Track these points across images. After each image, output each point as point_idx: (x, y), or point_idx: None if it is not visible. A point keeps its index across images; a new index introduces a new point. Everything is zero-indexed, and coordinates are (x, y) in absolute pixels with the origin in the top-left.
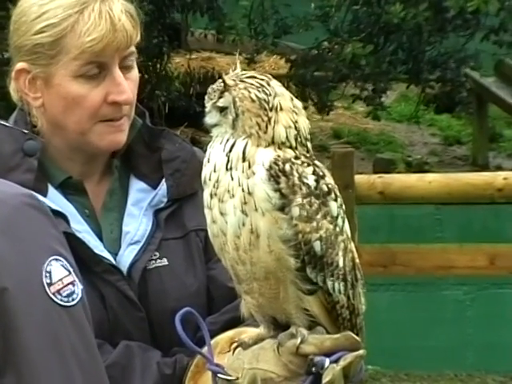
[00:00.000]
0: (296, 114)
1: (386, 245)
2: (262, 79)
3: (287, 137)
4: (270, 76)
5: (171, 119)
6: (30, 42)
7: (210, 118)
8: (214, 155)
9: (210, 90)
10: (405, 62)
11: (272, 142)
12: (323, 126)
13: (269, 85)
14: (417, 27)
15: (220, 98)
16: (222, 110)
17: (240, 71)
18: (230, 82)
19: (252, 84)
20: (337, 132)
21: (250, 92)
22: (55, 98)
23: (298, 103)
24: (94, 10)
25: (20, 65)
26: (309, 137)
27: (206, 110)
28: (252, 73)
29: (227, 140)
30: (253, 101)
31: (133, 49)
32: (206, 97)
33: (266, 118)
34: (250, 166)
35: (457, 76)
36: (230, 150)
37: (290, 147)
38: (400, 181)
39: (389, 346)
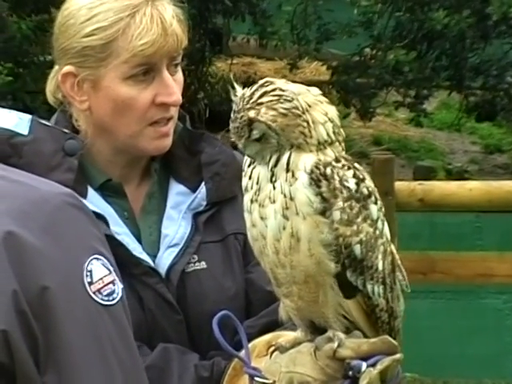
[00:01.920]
0: (321, 102)
1: (425, 252)
2: (274, 89)
3: (328, 133)
4: (272, 80)
5: (212, 124)
6: (79, 44)
7: (250, 150)
8: (256, 171)
9: (233, 128)
10: (447, 69)
11: (318, 144)
12: (364, 132)
13: (284, 90)
14: (460, 34)
15: (251, 131)
16: (259, 139)
17: (244, 92)
18: (250, 113)
19: (270, 101)
20: (377, 139)
21: (275, 109)
22: (103, 100)
23: (314, 89)
24: (146, 14)
25: (67, 68)
26: (339, 122)
27: (241, 146)
28: (258, 89)
29: (270, 157)
30: (284, 115)
31: (181, 52)
32: (234, 136)
33: (305, 124)
34: (293, 175)
35: (499, 83)
36: (275, 165)
37: (331, 143)
38: (440, 188)
39: (427, 354)
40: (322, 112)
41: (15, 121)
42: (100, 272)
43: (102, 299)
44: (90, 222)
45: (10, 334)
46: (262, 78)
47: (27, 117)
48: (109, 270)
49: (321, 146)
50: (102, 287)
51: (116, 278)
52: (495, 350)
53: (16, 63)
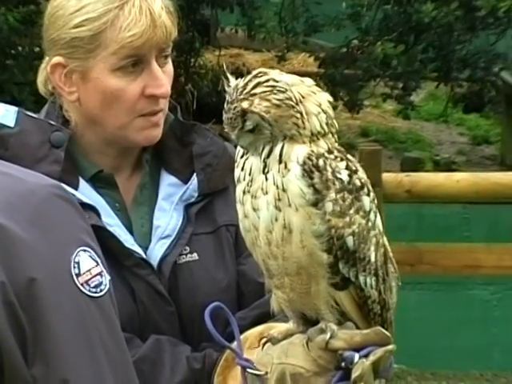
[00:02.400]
0: (314, 93)
1: (413, 243)
2: (267, 80)
3: (321, 125)
4: (266, 70)
5: (200, 115)
6: (67, 35)
7: (243, 141)
8: (249, 162)
9: (226, 119)
10: (434, 61)
11: (311, 135)
12: (351, 124)
13: (277, 81)
14: (447, 26)
15: (244, 121)
16: (252, 130)
17: (237, 83)
18: (244, 104)
19: (264, 91)
20: (365, 130)
21: (268, 100)
22: (92, 92)
23: (308, 80)
24: (135, 5)
25: (56, 59)
26: (333, 114)
27: (234, 136)
28: (251, 80)
29: (263, 147)
30: (277, 106)
31: (170, 43)
32: (227, 126)
33: (298, 115)
34: (285, 166)
35: (486, 75)
36: (268, 156)
37: (324, 135)
38: (428, 179)
39: (415, 345)
40: (316, 103)
41: (1, 113)
42: (87, 264)
43: (89, 291)
44: (77, 214)
45: None
46: (249, 70)
47: (13, 109)
48: (96, 261)
49: (314, 137)
50: (89, 279)
51: (103, 269)
52: (483, 342)
53: (3, 55)
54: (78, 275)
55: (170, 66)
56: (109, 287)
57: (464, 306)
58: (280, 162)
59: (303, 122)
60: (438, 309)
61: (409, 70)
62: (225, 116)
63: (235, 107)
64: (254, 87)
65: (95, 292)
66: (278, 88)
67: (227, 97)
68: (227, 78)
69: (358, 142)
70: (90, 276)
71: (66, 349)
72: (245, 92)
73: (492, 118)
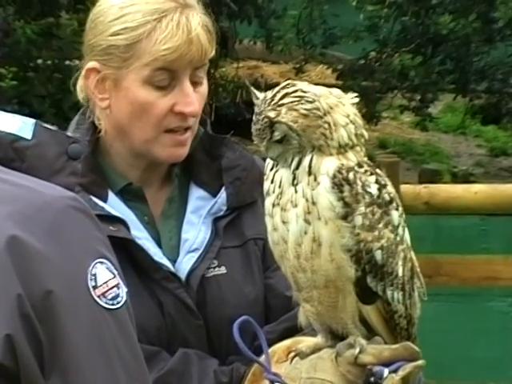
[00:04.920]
0: (343, 104)
1: (430, 255)
2: (295, 91)
3: (349, 136)
4: (294, 82)
5: (218, 127)
6: (104, 42)
7: (273, 153)
8: (279, 174)
9: (255, 130)
10: (452, 72)
11: (339, 146)
12: (369, 135)
13: (305, 92)
14: (465, 38)
15: (272, 132)
16: (281, 140)
17: (265, 95)
18: (271, 114)
19: (291, 102)
20: (382, 142)
21: (296, 110)
22: (122, 101)
23: (336, 90)
24: (173, 19)
25: (91, 64)
26: (362, 123)
27: (263, 148)
28: (279, 91)
29: (292, 159)
30: (305, 116)
31: (206, 62)
32: (256, 138)
33: (326, 125)
34: (315, 179)
35: (504, 87)
36: (297, 168)
37: (353, 147)
38: (446, 191)
39: (432, 356)
40: (344, 114)
41: (18, 125)
42: (104, 276)
43: (106, 303)
44: (93, 226)
45: (15, 338)
46: (267, 82)
47: (31, 121)
48: (113, 273)
49: (341, 149)
50: (106, 291)
51: (120, 281)
52: (500, 353)
53: (21, 67)
54: (94, 287)
55: (204, 87)
56: (126, 299)
57: (482, 318)
58: (309, 174)
59: (331, 133)
60: (455, 320)
61: (426, 81)
62: (253, 127)
63: (263, 118)
64: (282, 98)
65: (112, 304)
66: (305, 98)
67: (256, 109)
68: (253, 92)
69: (376, 154)
70: (106, 288)
71: (82, 361)
72: (273, 103)
73: (510, 130)
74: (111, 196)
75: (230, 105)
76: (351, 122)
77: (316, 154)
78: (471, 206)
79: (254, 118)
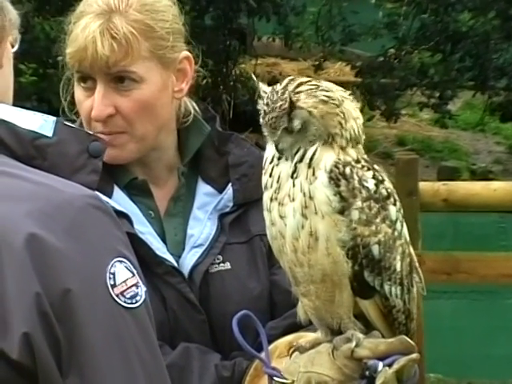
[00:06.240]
0: (350, 101)
1: (449, 252)
2: (310, 81)
3: (358, 130)
4: (305, 77)
5: (236, 124)
6: None
7: (284, 143)
8: (278, 169)
9: (269, 119)
10: (471, 69)
11: (349, 139)
12: (387, 133)
13: (319, 82)
14: (484, 35)
15: (290, 120)
16: (295, 131)
17: (274, 87)
18: (294, 98)
19: (310, 89)
20: (401, 139)
21: (316, 96)
22: None
23: (339, 89)
24: (82, 23)
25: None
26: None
27: (275, 138)
28: (290, 82)
29: (298, 151)
30: (325, 102)
31: (131, 69)
32: (268, 128)
33: (342, 115)
34: (313, 173)
35: None
36: (301, 160)
37: (357, 143)
38: (464, 188)
39: (451, 354)
40: (353, 107)
41: (40, 122)
42: (123, 275)
43: (125, 302)
44: (113, 225)
45: (33, 336)
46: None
47: (52, 118)
48: (132, 272)
49: (351, 142)
50: (125, 290)
51: (139, 280)
52: None
53: (40, 64)
54: (113, 286)
55: (138, 92)
56: (145, 298)
57: (501, 315)
58: (309, 166)
59: (346, 123)
60: (474, 317)
61: (446, 78)
62: (267, 117)
63: (281, 105)
64: (298, 86)
65: (131, 303)
66: (322, 87)
67: (265, 100)
68: (259, 85)
69: (395, 151)
70: (125, 287)
71: (100, 360)
72: (289, 90)
73: None
74: (117, 191)
75: (248, 102)
76: (359, 117)
77: (322, 146)
78: (490, 204)
79: (265, 108)
